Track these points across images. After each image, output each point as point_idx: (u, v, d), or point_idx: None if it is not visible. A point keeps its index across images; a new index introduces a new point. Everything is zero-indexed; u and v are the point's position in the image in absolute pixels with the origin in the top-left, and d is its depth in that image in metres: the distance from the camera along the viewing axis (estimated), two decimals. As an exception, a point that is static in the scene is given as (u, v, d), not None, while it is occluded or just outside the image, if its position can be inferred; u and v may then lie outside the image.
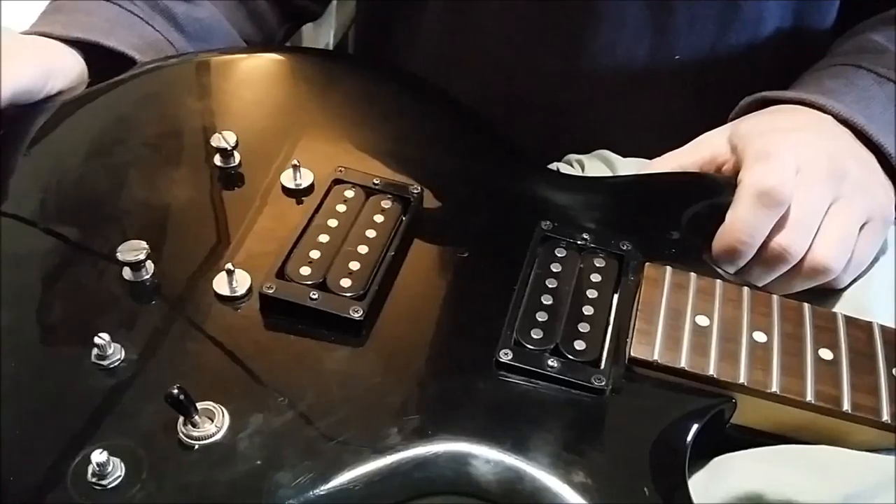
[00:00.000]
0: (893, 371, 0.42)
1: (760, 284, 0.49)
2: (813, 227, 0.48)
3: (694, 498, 0.39)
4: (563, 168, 0.63)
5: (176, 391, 0.37)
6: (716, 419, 0.42)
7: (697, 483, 0.42)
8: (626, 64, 0.62)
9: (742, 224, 0.47)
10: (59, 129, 0.53)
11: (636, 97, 0.64)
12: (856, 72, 0.55)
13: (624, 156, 0.62)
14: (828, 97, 0.53)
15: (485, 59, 0.66)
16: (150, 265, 0.45)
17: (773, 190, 0.46)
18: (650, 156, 0.61)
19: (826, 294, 0.51)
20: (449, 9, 0.65)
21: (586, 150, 0.64)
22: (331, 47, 0.84)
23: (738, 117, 0.56)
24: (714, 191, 0.52)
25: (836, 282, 0.49)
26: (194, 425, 0.38)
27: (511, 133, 0.56)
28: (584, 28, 0.61)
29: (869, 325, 0.45)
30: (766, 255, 0.48)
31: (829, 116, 0.52)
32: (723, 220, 0.49)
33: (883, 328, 0.44)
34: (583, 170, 0.62)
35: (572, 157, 0.64)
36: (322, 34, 0.83)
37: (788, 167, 0.47)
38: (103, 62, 0.58)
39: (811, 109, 0.53)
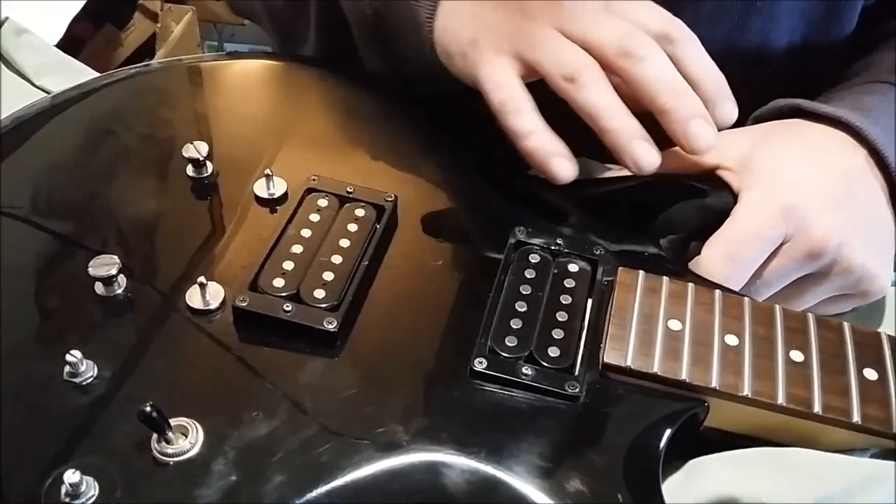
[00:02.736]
0: (864, 372, 0.43)
1: None
2: (768, 293, 0.49)
3: (669, 500, 0.39)
4: (543, 174, 0.63)
5: (148, 408, 0.37)
6: (689, 423, 0.42)
7: (672, 486, 0.42)
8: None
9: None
10: (27, 139, 0.53)
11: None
12: (893, 90, 0.53)
13: (607, 163, 0.62)
14: (866, 118, 0.50)
15: None
16: (122, 279, 0.45)
17: (723, 280, 0.47)
18: None
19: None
20: None
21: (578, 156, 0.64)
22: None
23: (762, 117, 0.54)
24: (687, 193, 0.52)
25: None
26: (168, 442, 0.38)
27: (494, 140, 0.56)
28: None
29: (840, 325, 0.45)
30: None
31: (862, 150, 0.50)
32: (696, 222, 0.50)
33: (853, 329, 0.45)
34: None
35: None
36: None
37: (749, 261, 0.47)
38: None
39: (845, 137, 0.50)
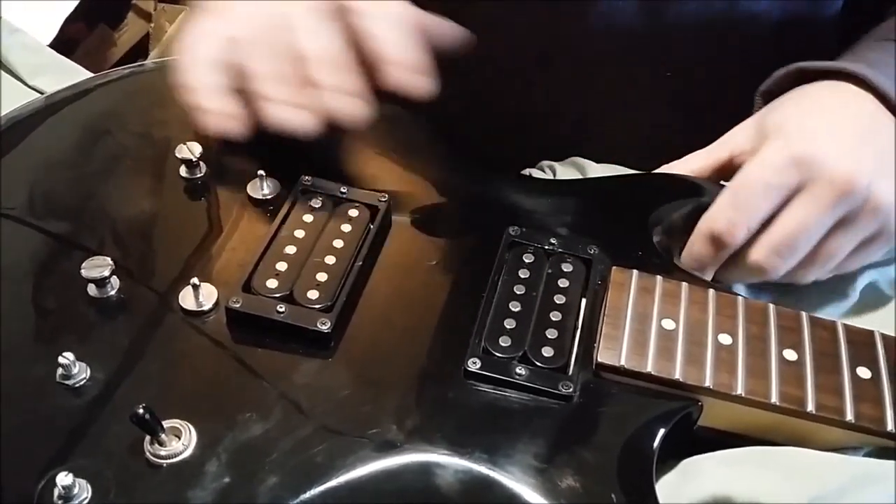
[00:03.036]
0: (857, 371, 0.43)
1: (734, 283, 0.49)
2: (802, 251, 0.47)
3: (663, 500, 0.39)
4: (536, 174, 0.63)
5: (141, 410, 0.37)
6: (683, 422, 0.42)
7: (666, 485, 0.42)
8: (614, 73, 0.62)
9: (692, 256, 0.49)
10: (21, 140, 0.53)
11: (616, 104, 0.64)
12: (893, 45, 0.53)
13: (600, 162, 0.62)
14: (870, 68, 0.50)
15: (470, 65, 0.65)
16: (115, 281, 0.45)
17: (718, 236, 0.47)
18: (628, 162, 0.60)
19: None
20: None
21: (563, 157, 0.64)
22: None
23: (769, 90, 0.54)
24: (681, 193, 0.52)
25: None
26: (161, 444, 0.38)
27: (487, 140, 0.56)
28: (572, 39, 0.61)
29: (833, 324, 0.45)
30: (745, 272, 0.48)
31: (870, 96, 0.50)
32: (689, 221, 0.50)
33: (847, 328, 0.45)
34: (554, 175, 0.62)
35: (545, 163, 0.64)
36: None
37: (755, 206, 0.47)
38: None
39: (851, 86, 0.50)
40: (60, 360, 0.40)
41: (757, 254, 0.47)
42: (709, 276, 0.49)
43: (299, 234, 0.47)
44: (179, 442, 0.39)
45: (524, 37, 0.62)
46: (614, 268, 0.47)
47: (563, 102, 0.64)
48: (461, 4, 0.62)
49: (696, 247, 0.49)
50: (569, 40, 0.61)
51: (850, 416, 0.41)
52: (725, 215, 0.47)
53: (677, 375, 0.42)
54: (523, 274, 0.47)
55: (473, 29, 0.63)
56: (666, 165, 0.54)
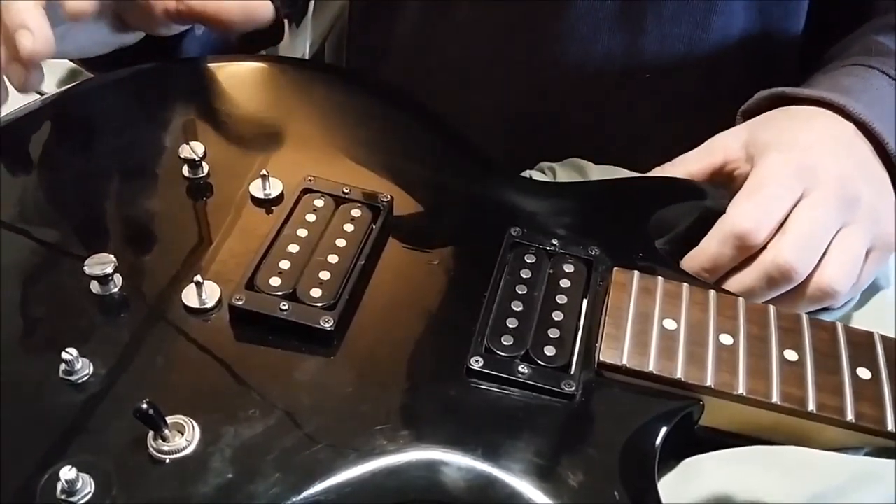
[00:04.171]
0: (857, 371, 0.43)
1: (760, 302, 0.48)
2: (820, 247, 0.48)
3: (664, 500, 0.39)
4: (536, 175, 0.64)
5: (145, 406, 0.37)
6: (684, 421, 0.43)
7: (668, 485, 0.42)
8: (597, 74, 0.62)
9: (706, 257, 0.49)
10: (24, 137, 0.53)
11: (607, 107, 0.64)
12: (868, 71, 0.55)
13: (596, 164, 0.62)
14: (847, 97, 0.52)
15: (456, 69, 0.66)
16: (118, 278, 0.45)
17: (744, 235, 0.47)
18: (621, 163, 0.61)
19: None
20: (421, 18, 0.65)
21: (558, 159, 0.65)
22: (307, 57, 0.84)
23: (750, 110, 0.55)
24: (683, 195, 0.53)
25: (832, 303, 0.50)
26: (164, 439, 0.38)
27: (483, 143, 0.56)
28: (554, 40, 0.61)
29: (833, 325, 0.45)
30: (770, 272, 0.47)
31: (851, 124, 0.52)
32: (690, 223, 0.50)
33: (847, 329, 0.45)
34: (555, 177, 0.63)
35: (544, 164, 0.65)
36: (298, 44, 0.83)
37: (775, 207, 0.48)
38: None
39: (831, 113, 0.52)
40: (63, 356, 0.40)
41: (782, 252, 0.47)
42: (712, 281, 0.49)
43: (302, 233, 0.47)
44: (182, 438, 0.38)
45: (507, 37, 0.63)
46: (616, 268, 0.47)
47: (553, 103, 0.65)
48: (444, 4, 0.63)
49: (713, 248, 0.48)
50: (551, 40, 0.62)
51: (850, 416, 0.42)
52: (750, 215, 0.48)
53: (679, 375, 0.42)
54: (525, 274, 0.47)
55: (457, 28, 0.63)
56: (658, 168, 0.55)
